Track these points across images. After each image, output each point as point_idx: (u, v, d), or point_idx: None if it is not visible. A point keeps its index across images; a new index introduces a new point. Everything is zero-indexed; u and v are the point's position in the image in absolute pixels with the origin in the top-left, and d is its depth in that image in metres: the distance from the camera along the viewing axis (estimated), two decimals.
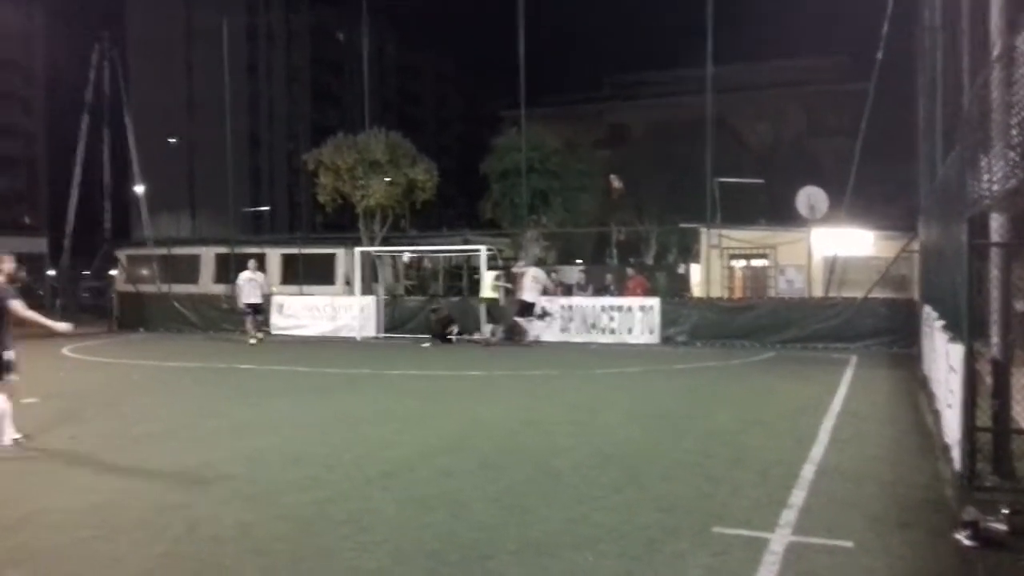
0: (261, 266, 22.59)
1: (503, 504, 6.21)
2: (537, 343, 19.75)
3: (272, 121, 76.57)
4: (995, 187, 5.87)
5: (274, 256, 26.19)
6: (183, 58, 68.78)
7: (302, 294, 24.15)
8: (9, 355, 8.38)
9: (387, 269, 26.05)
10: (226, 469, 7.39)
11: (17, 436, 8.64)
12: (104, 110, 26.26)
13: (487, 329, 20.14)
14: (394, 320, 22.34)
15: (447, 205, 48.00)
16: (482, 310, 20.44)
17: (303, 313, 23.42)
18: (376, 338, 21.90)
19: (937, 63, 10.07)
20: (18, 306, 8.50)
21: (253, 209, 62.14)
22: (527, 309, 19.85)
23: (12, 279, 8.70)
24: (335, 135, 28.30)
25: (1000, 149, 5.80)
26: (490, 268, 20.93)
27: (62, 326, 9.14)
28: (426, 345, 20.17)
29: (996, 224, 6.73)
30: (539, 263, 24.41)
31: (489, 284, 20.16)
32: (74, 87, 31.64)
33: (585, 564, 4.95)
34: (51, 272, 27.40)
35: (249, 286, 20.62)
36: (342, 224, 37.27)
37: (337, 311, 23.02)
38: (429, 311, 21.62)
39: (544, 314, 20.25)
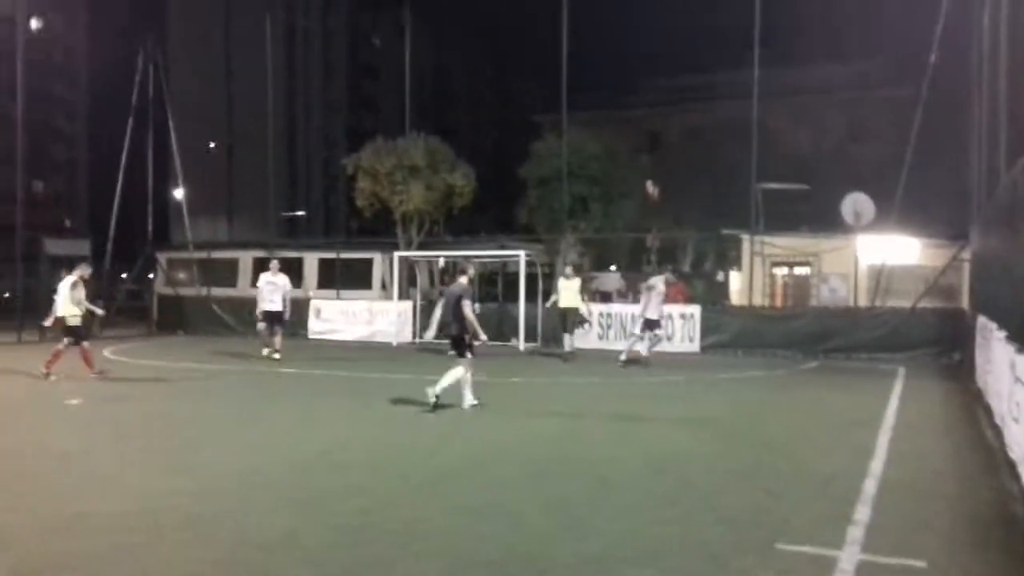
0: (296, 270, 21.97)
1: (558, 515, 6.04)
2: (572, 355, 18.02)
3: (308, 126, 76.94)
4: None
5: (311, 260, 26.24)
6: (222, 62, 69.17)
7: (339, 299, 24.17)
8: (467, 337, 10.26)
9: (424, 275, 25.99)
10: (272, 475, 7.30)
11: (475, 402, 10.39)
12: (148, 114, 26.44)
13: (568, 341, 18.09)
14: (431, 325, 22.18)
15: (480, 210, 47.85)
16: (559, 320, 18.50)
17: (339, 318, 23.42)
18: (412, 343, 21.83)
19: (1001, 66, 9.75)
20: (468, 307, 10.09)
21: (289, 214, 62.53)
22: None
23: (471, 280, 10.74)
24: (373, 140, 28.27)
25: None
26: (569, 276, 18.57)
27: (482, 336, 10.52)
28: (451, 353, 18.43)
29: None
30: (577, 269, 24.17)
31: (573, 292, 17.96)
32: (114, 90, 31.92)
33: None
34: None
35: (267, 290, 17.47)
36: (377, 230, 37.24)
37: (374, 316, 22.98)
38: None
39: (582, 321, 19.77)
